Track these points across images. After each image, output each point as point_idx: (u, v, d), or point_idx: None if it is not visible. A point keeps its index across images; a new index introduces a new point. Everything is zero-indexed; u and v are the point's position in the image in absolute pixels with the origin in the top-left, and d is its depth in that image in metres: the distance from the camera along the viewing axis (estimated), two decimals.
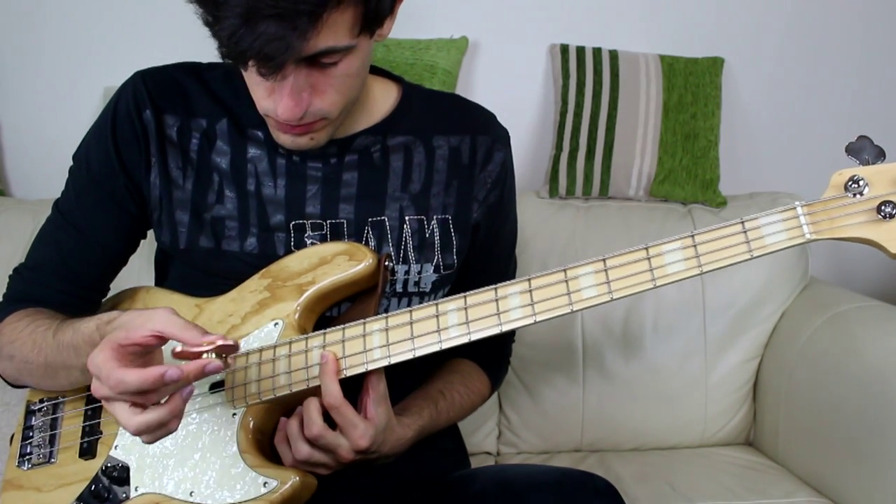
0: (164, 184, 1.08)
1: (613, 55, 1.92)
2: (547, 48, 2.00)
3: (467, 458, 1.32)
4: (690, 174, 1.87)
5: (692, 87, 1.90)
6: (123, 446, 1.02)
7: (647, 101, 1.88)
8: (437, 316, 0.94)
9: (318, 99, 0.96)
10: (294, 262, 1.04)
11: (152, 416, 0.83)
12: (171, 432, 0.86)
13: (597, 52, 1.92)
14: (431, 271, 1.12)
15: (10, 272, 1.13)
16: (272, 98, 0.95)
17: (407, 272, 1.11)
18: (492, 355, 1.27)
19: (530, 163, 2.00)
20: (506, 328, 0.91)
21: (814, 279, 1.84)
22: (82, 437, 1.05)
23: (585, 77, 1.90)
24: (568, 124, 1.89)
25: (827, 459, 1.52)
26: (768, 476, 1.61)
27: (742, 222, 0.87)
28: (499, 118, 1.22)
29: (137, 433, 0.83)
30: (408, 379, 1.12)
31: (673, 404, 1.73)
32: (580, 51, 1.93)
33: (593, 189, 1.88)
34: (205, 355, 0.82)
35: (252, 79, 0.96)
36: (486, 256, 1.21)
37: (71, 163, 1.13)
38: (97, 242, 1.10)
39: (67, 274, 1.09)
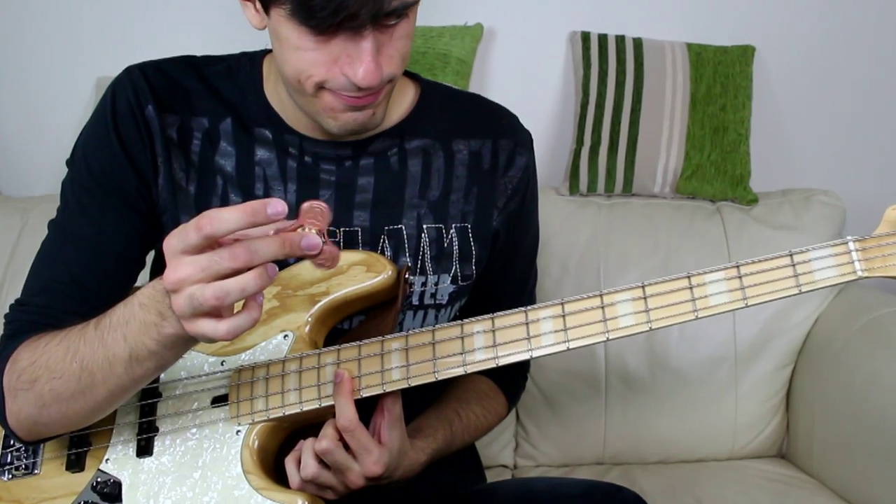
0: (170, 187, 1.08)
1: (638, 43, 1.92)
2: (567, 36, 1.99)
3: (483, 472, 1.32)
4: (719, 170, 1.87)
5: (721, 77, 1.90)
6: (115, 460, 1.01)
7: (673, 92, 1.88)
8: (461, 338, 0.95)
9: (385, 62, 0.96)
10: (306, 270, 1.03)
11: (241, 319, 0.80)
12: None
13: (620, 39, 1.92)
14: (449, 282, 1.12)
15: (6, 310, 1.06)
16: (342, 65, 0.94)
17: (423, 284, 1.11)
18: (510, 373, 1.27)
19: (550, 158, 2.00)
20: (536, 354, 0.92)
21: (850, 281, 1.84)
22: (69, 448, 1.03)
23: (608, 66, 1.90)
24: (589, 117, 1.89)
25: (865, 473, 1.52)
26: (802, 491, 1.61)
27: (791, 255, 0.88)
28: (515, 110, 1.22)
29: (229, 337, 0.81)
30: (424, 395, 1.11)
31: (701, 414, 1.73)
32: (602, 38, 1.93)
33: (616, 186, 1.89)
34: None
35: (300, 56, 0.95)
36: (505, 266, 1.21)
37: (63, 167, 1.11)
38: (110, 251, 1.06)
39: (82, 293, 1.04)
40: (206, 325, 0.80)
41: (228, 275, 0.77)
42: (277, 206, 0.75)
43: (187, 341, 0.85)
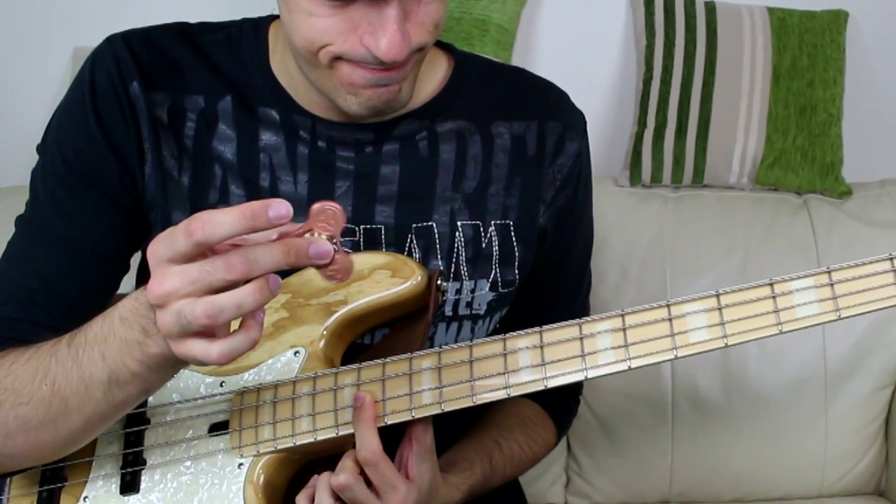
0: (159, 177, 1.08)
1: (710, 7, 1.90)
2: None
3: None
4: (806, 157, 1.86)
5: (808, 47, 1.88)
6: (95, 498, 1.01)
7: (752, 65, 1.86)
8: (504, 355, 0.94)
9: (413, 30, 0.96)
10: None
11: (236, 341, 0.79)
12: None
13: (689, 3, 1.90)
14: (487, 289, 1.12)
15: None
16: (363, 35, 0.94)
17: (458, 291, 1.11)
18: (560, 396, 1.27)
19: (607, 143, 1.99)
20: (592, 375, 0.91)
21: None
22: (41, 484, 1.03)
23: (675, 35, 1.88)
24: (653, 94, 1.88)
25: None
26: None
27: (892, 259, 0.88)
28: (566, 87, 1.21)
29: (222, 361, 0.80)
30: (459, 422, 1.11)
31: (784, 444, 1.72)
32: (669, 2, 1.91)
33: (685, 175, 1.88)
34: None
35: (313, 24, 0.94)
36: (553, 271, 1.21)
37: (33, 154, 1.11)
38: (88, 253, 1.06)
39: (54, 302, 1.03)
40: (197, 347, 0.78)
41: (223, 288, 0.76)
42: (280, 208, 0.74)
43: (175, 363, 0.84)
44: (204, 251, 0.76)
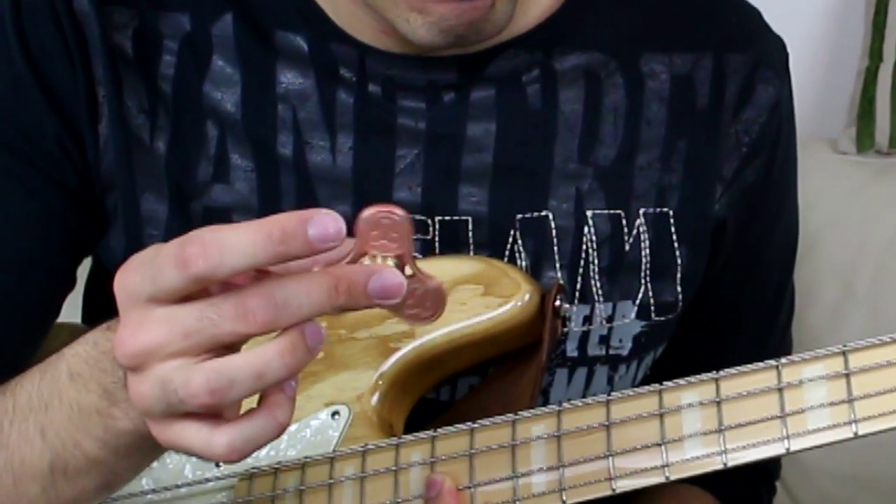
0: (121, 140, 1.09)
1: None
2: None
3: None
4: None
5: None
6: None
7: None
8: (659, 415, 0.93)
9: None
10: None
11: (254, 427, 0.75)
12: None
13: None
14: (633, 316, 1.14)
15: None
16: None
17: (587, 318, 1.13)
18: (746, 479, 1.28)
19: (819, 88, 1.99)
20: (797, 446, 0.90)
21: None
22: None
23: None
24: (893, 13, 1.86)
25: None
26: None
27: None
28: (758, 3, 1.24)
29: (233, 457, 0.76)
30: None
31: None
32: None
33: None
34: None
35: None
36: (736, 287, 1.24)
37: None
38: (10, 255, 1.09)
39: None
40: (192, 434, 0.74)
41: (234, 344, 0.72)
42: (328, 223, 0.67)
43: (155, 447, 0.81)
44: (205, 287, 0.72)
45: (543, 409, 0.97)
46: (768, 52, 1.19)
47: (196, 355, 0.71)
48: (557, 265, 1.12)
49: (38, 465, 0.87)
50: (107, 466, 0.85)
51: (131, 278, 0.72)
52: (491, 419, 0.97)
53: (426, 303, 0.77)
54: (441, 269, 1.01)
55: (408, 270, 0.74)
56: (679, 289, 1.16)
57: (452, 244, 1.10)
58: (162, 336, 0.70)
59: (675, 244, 1.15)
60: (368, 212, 0.74)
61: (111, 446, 0.82)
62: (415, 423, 1.05)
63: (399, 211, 0.74)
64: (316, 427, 1.03)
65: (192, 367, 0.70)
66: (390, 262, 0.74)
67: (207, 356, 0.70)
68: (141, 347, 0.71)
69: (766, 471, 1.34)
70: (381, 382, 1.04)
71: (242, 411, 0.75)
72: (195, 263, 0.68)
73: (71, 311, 1.22)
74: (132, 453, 0.83)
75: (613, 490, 0.93)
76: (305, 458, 1.01)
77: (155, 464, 0.99)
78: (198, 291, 0.71)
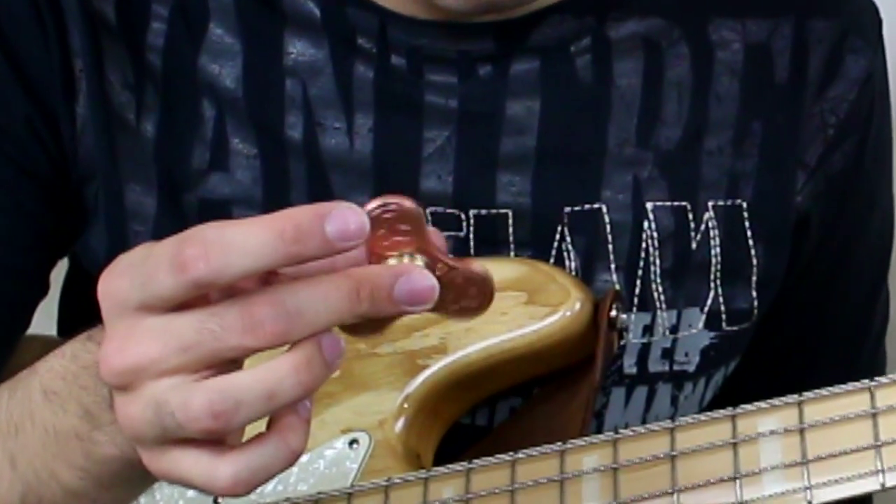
0: (102, 121, 1.07)
1: None
2: None
3: None
4: None
5: None
6: None
7: None
8: (733, 444, 0.89)
9: None
10: None
11: (262, 455, 0.69)
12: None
13: None
14: (701, 325, 1.12)
15: None
16: None
17: (648, 329, 1.11)
18: None
19: None
20: (893, 481, 0.85)
21: None
22: None
23: None
24: None
25: None
26: None
27: None
28: None
29: (238, 491, 0.73)
30: None
31: None
32: None
33: None
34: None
35: None
36: (822, 291, 1.20)
37: None
38: None
39: None
40: (190, 464, 0.69)
41: (239, 359, 0.68)
42: (348, 218, 0.62)
43: (146, 476, 0.77)
44: (205, 293, 0.69)
45: (597, 436, 0.95)
46: (859, 18, 1.15)
47: (195, 372, 0.65)
48: (612, 267, 1.08)
49: (6, 499, 0.86)
50: (87, 500, 0.82)
51: (118, 283, 0.67)
52: (536, 448, 0.95)
53: (470, 290, 0.71)
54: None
55: (441, 264, 0.70)
56: (754, 294, 1.12)
57: (489, 242, 1.07)
58: (155, 350, 0.65)
59: (750, 242, 1.11)
60: (374, 202, 0.68)
61: (93, 476, 0.79)
62: (446, 452, 1.02)
63: (395, 198, 0.67)
64: (331, 457, 1.00)
65: (192, 386, 0.65)
66: (419, 262, 0.68)
67: (208, 373, 0.65)
68: (131, 363, 0.66)
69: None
70: (406, 406, 1.01)
71: (247, 437, 0.69)
72: (195, 266, 0.62)
73: (44, 320, 1.21)
74: (117, 484, 0.80)
75: None
76: (319, 493, 0.99)
77: (142, 498, 0.97)
78: (196, 298, 0.66)
